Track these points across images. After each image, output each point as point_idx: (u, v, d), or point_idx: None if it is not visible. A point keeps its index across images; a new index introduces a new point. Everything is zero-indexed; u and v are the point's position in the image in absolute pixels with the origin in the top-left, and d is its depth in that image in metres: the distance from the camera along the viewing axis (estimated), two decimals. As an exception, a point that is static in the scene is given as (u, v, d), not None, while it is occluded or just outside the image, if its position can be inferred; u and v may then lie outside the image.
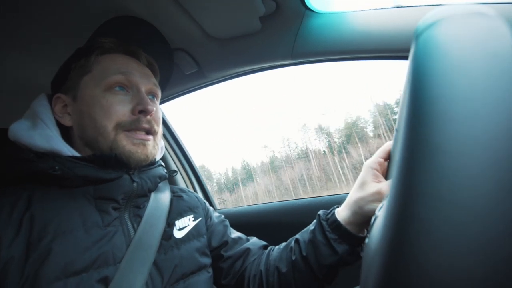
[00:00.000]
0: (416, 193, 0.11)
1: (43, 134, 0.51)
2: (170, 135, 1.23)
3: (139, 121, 0.55)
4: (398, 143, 0.15)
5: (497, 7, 0.60)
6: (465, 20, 0.16)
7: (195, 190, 1.30)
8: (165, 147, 1.22)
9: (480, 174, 0.10)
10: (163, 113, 1.18)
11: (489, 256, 0.10)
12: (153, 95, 0.62)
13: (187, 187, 1.28)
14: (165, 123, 1.20)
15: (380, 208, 0.26)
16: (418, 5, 0.68)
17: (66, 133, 0.57)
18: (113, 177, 0.52)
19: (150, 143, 0.57)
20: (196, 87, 1.03)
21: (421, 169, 0.11)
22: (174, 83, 1.00)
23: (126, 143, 0.54)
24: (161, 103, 1.13)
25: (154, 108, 0.57)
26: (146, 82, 0.60)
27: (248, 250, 0.68)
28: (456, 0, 0.66)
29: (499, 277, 0.10)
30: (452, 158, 0.11)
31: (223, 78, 0.97)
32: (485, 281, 0.10)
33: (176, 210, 0.64)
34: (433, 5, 0.67)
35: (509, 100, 0.12)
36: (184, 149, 1.27)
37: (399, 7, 0.68)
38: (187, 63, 0.90)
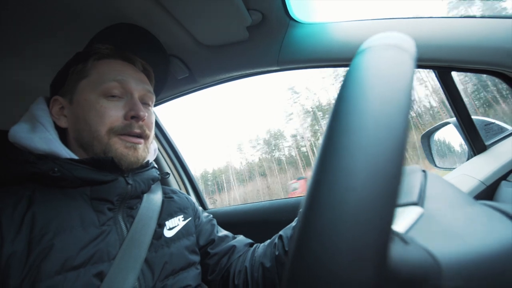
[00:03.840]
0: (315, 185, 0.16)
1: (43, 137, 0.53)
2: (163, 137, 1.26)
3: (131, 126, 0.57)
4: None
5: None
6: (381, 52, 0.20)
7: (187, 191, 1.32)
8: (158, 149, 1.25)
9: (360, 172, 0.15)
10: (156, 116, 1.21)
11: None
12: (146, 101, 0.65)
13: (180, 188, 1.31)
14: (158, 126, 1.23)
15: None
16: (394, 17, 0.73)
17: (62, 134, 0.59)
18: (109, 179, 0.55)
19: (141, 146, 0.60)
20: (188, 91, 1.06)
21: (324, 165, 0.16)
22: (167, 87, 1.04)
23: (118, 146, 0.56)
24: (153, 106, 1.17)
25: (146, 114, 0.60)
26: (141, 88, 0.62)
27: (233, 247, 0.71)
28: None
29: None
30: (344, 159, 0.15)
31: (213, 83, 1.01)
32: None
33: (167, 210, 0.67)
34: (407, 17, 0.73)
35: (391, 119, 0.16)
36: (177, 151, 1.30)
37: (376, 19, 0.74)
38: (179, 69, 0.93)
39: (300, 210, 0.17)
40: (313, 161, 0.18)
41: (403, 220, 0.22)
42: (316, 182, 0.16)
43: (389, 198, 0.14)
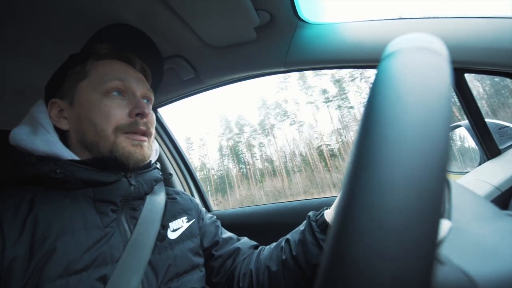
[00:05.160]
0: (353, 199, 0.14)
1: (44, 139, 0.53)
2: (167, 137, 1.25)
3: (137, 123, 0.57)
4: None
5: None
6: (413, 55, 0.19)
7: (191, 192, 1.32)
8: (162, 150, 1.24)
9: (402, 186, 0.13)
10: (161, 116, 1.21)
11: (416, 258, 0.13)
12: (148, 99, 0.65)
13: (184, 189, 1.30)
14: (162, 126, 1.22)
15: None
16: (405, 18, 0.72)
17: (63, 137, 0.59)
18: (112, 180, 0.54)
19: (146, 144, 0.60)
20: (193, 92, 1.05)
21: (360, 179, 0.15)
22: (172, 88, 1.03)
23: (126, 145, 0.56)
24: (159, 107, 1.17)
25: (151, 111, 0.60)
26: (141, 87, 0.62)
27: (238, 249, 0.71)
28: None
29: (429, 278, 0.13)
30: (384, 171, 0.14)
31: (218, 84, 1.00)
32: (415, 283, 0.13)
33: (170, 212, 0.66)
34: (418, 18, 0.71)
35: (431, 127, 0.15)
36: (181, 151, 1.29)
37: (386, 20, 0.72)
38: (184, 69, 0.93)
39: (329, 233, 0.15)
40: (344, 175, 0.16)
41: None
42: (349, 199, 0.14)
43: (433, 218, 0.13)
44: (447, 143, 0.14)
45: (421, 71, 0.17)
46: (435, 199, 0.13)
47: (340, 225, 0.14)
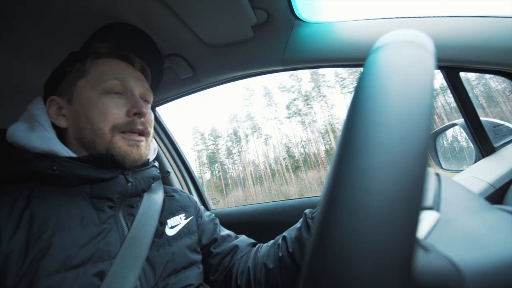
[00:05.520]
0: (338, 182, 0.15)
1: (41, 136, 0.53)
2: (165, 136, 1.25)
3: (134, 123, 0.58)
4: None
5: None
6: (398, 48, 0.20)
7: (189, 191, 1.32)
8: (161, 148, 1.24)
9: (384, 171, 0.14)
10: (159, 115, 1.21)
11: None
12: (146, 98, 0.65)
13: (182, 188, 1.30)
14: (160, 125, 1.23)
15: None
16: (400, 17, 0.72)
17: (61, 134, 0.59)
18: (109, 177, 0.54)
19: (143, 144, 0.60)
20: (191, 90, 1.06)
21: (343, 166, 0.15)
22: (170, 86, 1.04)
23: (122, 144, 0.56)
24: (157, 105, 1.17)
25: (148, 111, 0.60)
26: (140, 86, 0.63)
27: (236, 247, 0.71)
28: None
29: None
30: (367, 156, 0.15)
31: (216, 83, 1.00)
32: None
33: (168, 209, 0.67)
34: (414, 16, 0.72)
35: (413, 117, 0.15)
36: (179, 150, 1.30)
37: (382, 18, 0.73)
38: (182, 68, 0.93)
39: (317, 211, 0.16)
40: (331, 160, 0.17)
41: (420, 225, 0.21)
42: (334, 182, 0.15)
43: (414, 200, 0.13)
44: (427, 132, 0.15)
45: (405, 63, 0.18)
46: (415, 184, 0.13)
47: (324, 208, 0.15)
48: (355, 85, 0.19)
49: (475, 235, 0.20)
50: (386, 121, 0.15)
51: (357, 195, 0.14)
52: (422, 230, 0.20)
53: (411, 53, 0.19)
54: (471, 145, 0.75)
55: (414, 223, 0.13)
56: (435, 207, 0.23)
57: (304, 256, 0.55)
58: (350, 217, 0.13)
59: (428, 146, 0.15)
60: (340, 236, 0.13)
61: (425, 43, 0.20)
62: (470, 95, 0.71)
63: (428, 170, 0.14)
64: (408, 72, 0.17)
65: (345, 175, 0.14)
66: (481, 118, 0.71)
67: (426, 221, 0.21)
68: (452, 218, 0.23)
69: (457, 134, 0.80)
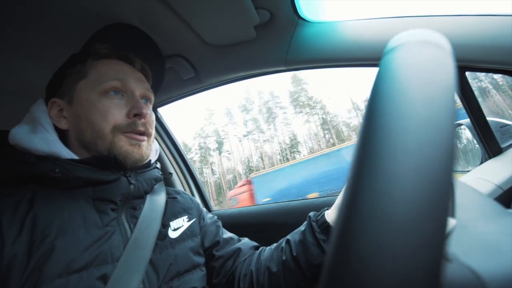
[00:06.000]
0: (359, 191, 0.14)
1: (43, 138, 0.53)
2: (167, 137, 1.25)
3: (135, 124, 0.57)
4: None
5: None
6: (416, 48, 0.19)
7: (191, 192, 1.31)
8: (163, 150, 1.24)
9: (409, 177, 0.13)
10: (161, 116, 1.21)
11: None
12: (147, 99, 0.64)
13: (184, 189, 1.30)
14: (162, 126, 1.22)
15: None
16: (406, 16, 0.71)
17: (62, 136, 0.58)
18: (111, 179, 0.54)
19: (145, 144, 0.60)
20: (193, 91, 1.05)
21: (364, 172, 0.14)
22: (172, 87, 1.03)
23: (123, 144, 0.56)
24: (159, 106, 1.17)
25: (149, 112, 0.60)
26: (140, 87, 0.62)
27: (239, 250, 0.70)
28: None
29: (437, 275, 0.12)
30: (389, 162, 0.14)
31: (218, 83, 1.00)
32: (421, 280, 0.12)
33: (171, 211, 0.66)
34: (419, 16, 0.71)
35: (437, 121, 0.14)
36: (181, 151, 1.29)
37: (387, 18, 0.72)
38: (184, 69, 0.92)
39: (336, 223, 0.15)
40: (349, 165, 0.16)
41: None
42: (354, 192, 0.14)
43: (440, 208, 0.12)
44: (452, 135, 0.14)
45: (425, 64, 0.17)
46: (441, 190, 0.13)
47: (344, 218, 0.14)
48: (372, 87, 0.18)
49: (493, 242, 0.20)
50: (410, 125, 0.14)
51: (379, 204, 0.13)
52: None
53: (430, 53, 0.18)
54: (477, 145, 0.74)
55: (441, 233, 0.12)
56: (451, 213, 0.23)
57: (309, 260, 0.54)
58: (372, 228, 0.13)
59: (454, 150, 0.14)
60: (361, 251, 0.12)
61: (442, 43, 0.19)
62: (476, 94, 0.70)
63: (454, 175, 0.13)
64: (429, 73, 0.16)
65: (366, 183, 0.14)
66: (488, 118, 0.70)
67: None
68: (469, 224, 0.22)
69: (463, 134, 0.79)
